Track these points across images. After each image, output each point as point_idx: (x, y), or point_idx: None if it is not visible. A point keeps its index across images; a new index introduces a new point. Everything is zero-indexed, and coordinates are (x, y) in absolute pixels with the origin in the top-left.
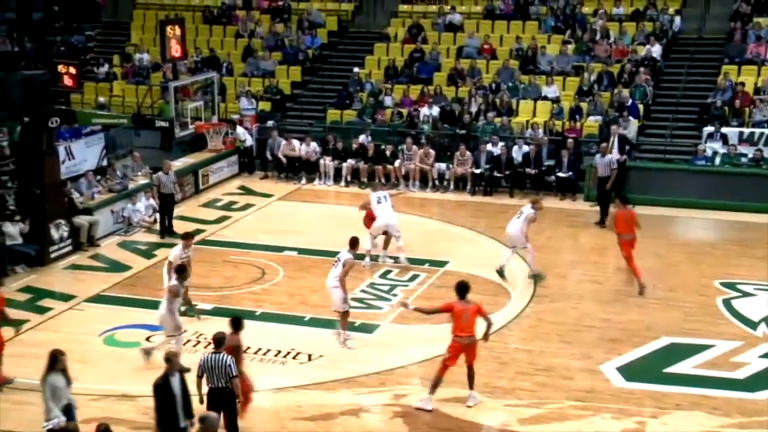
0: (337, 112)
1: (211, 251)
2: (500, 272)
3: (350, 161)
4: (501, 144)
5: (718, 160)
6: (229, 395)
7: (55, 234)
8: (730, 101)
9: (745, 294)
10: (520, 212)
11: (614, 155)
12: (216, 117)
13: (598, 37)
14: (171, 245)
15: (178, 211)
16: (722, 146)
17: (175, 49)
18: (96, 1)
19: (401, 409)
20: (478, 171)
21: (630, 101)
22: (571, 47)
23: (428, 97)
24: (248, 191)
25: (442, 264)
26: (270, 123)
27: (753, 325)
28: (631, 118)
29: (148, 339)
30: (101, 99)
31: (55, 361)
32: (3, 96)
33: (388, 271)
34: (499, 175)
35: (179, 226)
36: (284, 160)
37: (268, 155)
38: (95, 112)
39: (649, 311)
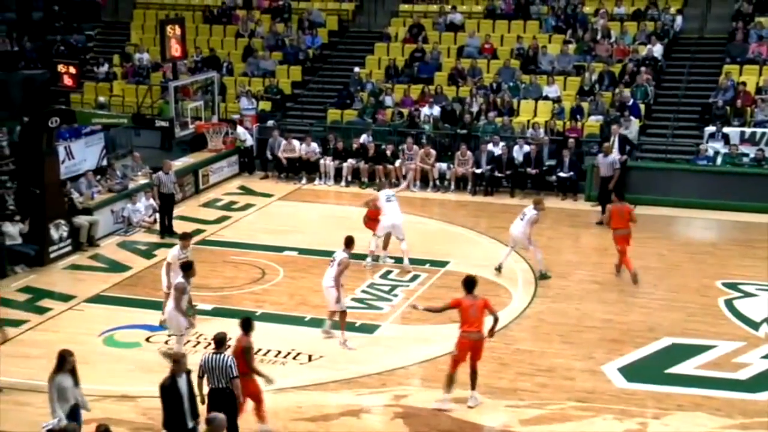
0: (338, 112)
1: (211, 251)
2: (498, 269)
3: (351, 161)
4: (502, 144)
5: (719, 160)
6: (229, 396)
7: (54, 234)
8: (732, 101)
9: (747, 294)
10: (523, 214)
11: (615, 155)
12: (216, 117)
13: (599, 36)
14: (171, 245)
15: (178, 211)
16: (724, 146)
17: (175, 49)
18: (96, 0)
19: (402, 410)
20: (479, 171)
21: (631, 101)
22: (572, 47)
23: (429, 96)
24: (248, 191)
25: (443, 264)
26: (270, 123)
27: (755, 325)
28: (632, 117)
29: (147, 339)
30: (101, 99)
31: (64, 362)
32: (3, 96)
33: (389, 272)
34: (500, 175)
35: (179, 226)
36: (284, 160)
37: (269, 155)
38: (95, 112)
39: (651, 312)
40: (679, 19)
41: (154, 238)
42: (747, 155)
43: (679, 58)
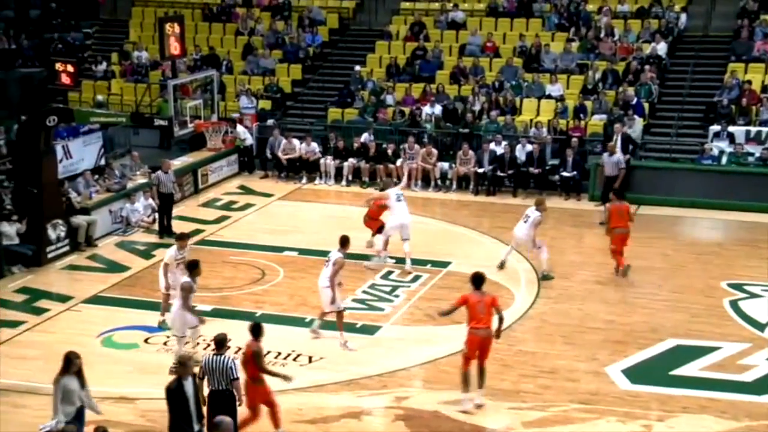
0: (338, 111)
1: (211, 252)
2: (501, 266)
3: (351, 160)
4: (504, 143)
5: (724, 160)
6: (229, 398)
7: (52, 234)
8: (737, 99)
9: (753, 295)
10: (527, 216)
11: (619, 154)
12: (215, 116)
13: (602, 34)
14: (170, 245)
15: (177, 210)
16: (729, 145)
17: (174, 47)
18: None
19: (403, 412)
20: (481, 170)
21: (635, 100)
22: (575, 45)
23: (430, 95)
24: (248, 191)
25: (444, 265)
26: (270, 122)
27: (761, 326)
28: (636, 116)
29: (146, 341)
30: (99, 97)
31: (70, 364)
32: (0, 94)
33: (390, 272)
34: (502, 174)
35: (178, 226)
36: (284, 160)
37: (268, 154)
38: (93, 111)
39: (655, 313)
40: (683, 16)
41: (153, 238)
42: (752, 154)
43: (683, 56)
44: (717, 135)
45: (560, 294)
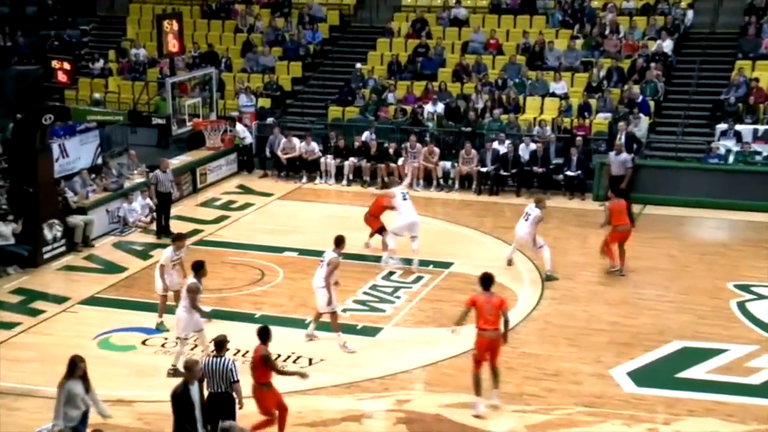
0: (339, 109)
1: (209, 252)
2: (509, 263)
3: (352, 159)
4: (507, 142)
5: (731, 159)
6: (228, 400)
7: (48, 234)
8: (744, 98)
9: (760, 296)
10: (527, 214)
11: (625, 154)
12: (214, 114)
13: (607, 31)
14: (168, 246)
15: (175, 210)
16: (736, 144)
17: (173, 44)
18: None
19: (404, 415)
20: (484, 170)
21: (640, 98)
22: (579, 42)
23: (432, 93)
24: (247, 190)
25: (446, 265)
26: (270, 120)
27: None
28: (641, 115)
29: (143, 342)
30: (96, 95)
31: (74, 367)
32: None
33: (391, 273)
34: (505, 173)
35: (176, 226)
36: (283, 159)
37: (268, 153)
38: (90, 109)
39: (661, 314)
40: (689, 13)
41: (150, 239)
42: (760, 153)
43: (689, 53)
44: (724, 134)
45: (564, 295)
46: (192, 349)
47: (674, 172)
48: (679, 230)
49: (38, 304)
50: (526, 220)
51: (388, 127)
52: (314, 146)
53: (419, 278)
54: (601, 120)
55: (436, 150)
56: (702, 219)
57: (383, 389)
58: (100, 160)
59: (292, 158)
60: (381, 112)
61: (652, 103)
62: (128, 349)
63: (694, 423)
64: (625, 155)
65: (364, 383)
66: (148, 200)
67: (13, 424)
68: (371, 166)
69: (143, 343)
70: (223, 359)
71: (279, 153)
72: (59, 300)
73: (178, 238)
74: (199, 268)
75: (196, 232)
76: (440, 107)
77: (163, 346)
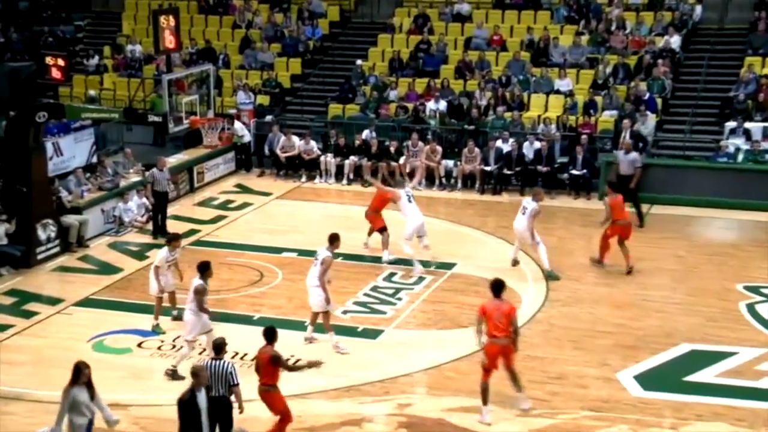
0: (339, 107)
1: (207, 252)
2: (514, 263)
3: (352, 158)
4: (511, 140)
5: (740, 157)
6: (226, 404)
7: (42, 234)
8: (754, 95)
9: None
10: (524, 208)
11: (635, 153)
12: (212, 111)
13: (613, 27)
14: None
15: (171, 210)
16: (745, 142)
17: (169, 40)
18: None
19: (405, 419)
20: (487, 168)
21: (647, 95)
22: (585, 38)
23: (435, 90)
24: (245, 189)
25: (449, 266)
26: (269, 118)
27: None
28: (648, 112)
29: (139, 345)
30: (91, 92)
31: (79, 374)
32: None
33: (392, 274)
34: (509, 172)
35: (173, 226)
36: (282, 158)
37: (266, 151)
38: (85, 106)
39: (668, 316)
40: (698, 8)
41: (146, 239)
42: None
43: (698, 49)
44: (733, 132)
45: (569, 297)
46: (200, 354)
47: (682, 171)
48: (687, 230)
49: (32, 306)
50: (524, 213)
51: (389, 125)
52: (313, 145)
53: (421, 279)
54: (607, 118)
55: (439, 148)
56: (710, 219)
57: (384, 393)
58: (95, 159)
59: (292, 157)
60: (382, 109)
61: (659, 101)
62: (123, 352)
63: (703, 427)
64: (634, 154)
65: (364, 387)
66: (144, 199)
67: (5, 430)
68: (372, 165)
69: (139, 345)
70: (222, 362)
71: (278, 151)
72: (53, 301)
73: (174, 239)
74: (205, 269)
75: (193, 232)
76: (442, 105)
77: (159, 348)
